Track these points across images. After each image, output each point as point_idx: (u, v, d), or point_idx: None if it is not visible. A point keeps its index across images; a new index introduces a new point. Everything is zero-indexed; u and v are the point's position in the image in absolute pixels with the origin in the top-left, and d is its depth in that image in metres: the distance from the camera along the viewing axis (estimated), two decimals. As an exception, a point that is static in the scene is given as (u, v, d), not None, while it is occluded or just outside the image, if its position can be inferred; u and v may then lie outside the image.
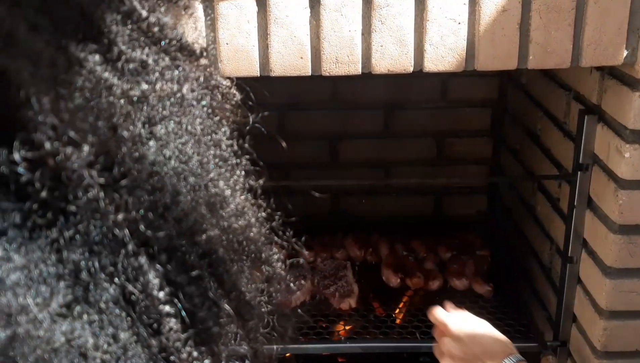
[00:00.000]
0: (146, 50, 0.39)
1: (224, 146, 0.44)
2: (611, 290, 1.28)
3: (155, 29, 0.40)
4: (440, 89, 1.96)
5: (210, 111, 0.44)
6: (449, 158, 2.03)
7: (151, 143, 0.37)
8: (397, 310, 1.64)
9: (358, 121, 1.97)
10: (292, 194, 2.00)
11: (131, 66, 0.37)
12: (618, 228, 1.26)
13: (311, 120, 1.97)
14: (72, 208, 0.34)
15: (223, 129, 0.46)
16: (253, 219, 0.46)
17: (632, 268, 1.27)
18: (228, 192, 0.44)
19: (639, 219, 1.24)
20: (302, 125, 1.97)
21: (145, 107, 0.37)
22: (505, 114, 1.93)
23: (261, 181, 0.50)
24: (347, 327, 1.60)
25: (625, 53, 1.15)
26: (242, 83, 0.53)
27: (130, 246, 0.35)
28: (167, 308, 0.36)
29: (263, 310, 0.47)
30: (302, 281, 1.66)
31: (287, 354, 1.58)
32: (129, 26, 0.38)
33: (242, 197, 0.46)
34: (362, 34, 1.15)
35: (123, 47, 0.37)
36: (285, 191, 1.96)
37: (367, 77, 1.90)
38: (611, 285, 1.28)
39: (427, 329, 1.53)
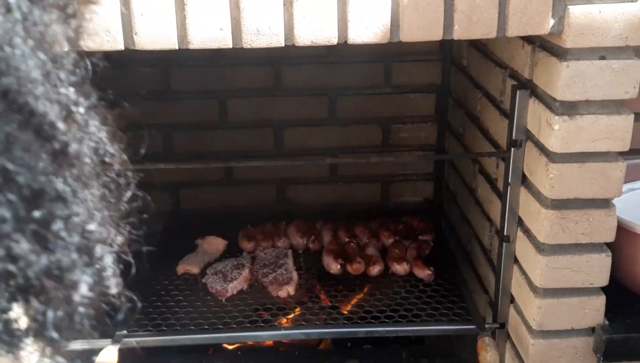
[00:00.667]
0: None
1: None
2: (545, 267, 1.26)
3: None
4: (384, 74, 1.93)
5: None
6: (395, 144, 2.00)
7: None
8: (341, 297, 1.60)
9: (302, 107, 1.93)
10: (237, 184, 1.97)
11: None
12: (550, 203, 1.23)
13: (252, 106, 1.92)
14: None
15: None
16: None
17: (566, 243, 1.25)
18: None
19: (570, 193, 1.22)
20: (243, 113, 1.93)
21: None
22: (450, 98, 1.91)
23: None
24: (289, 316, 1.56)
25: (551, 22, 1.13)
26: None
27: None
28: None
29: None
30: (239, 271, 1.62)
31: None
32: None
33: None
34: (284, 4, 1.11)
35: None
36: (230, 182, 1.92)
37: (308, 62, 1.90)
38: (545, 262, 1.26)
39: (365, 314, 1.50)
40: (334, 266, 1.64)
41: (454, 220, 1.88)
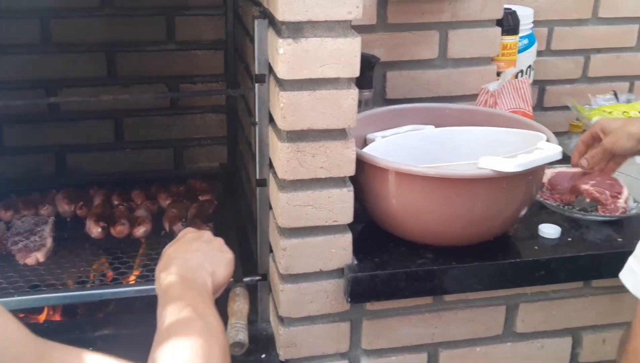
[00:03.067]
0: None
1: None
2: (286, 205, 1.19)
3: None
4: (167, 29, 1.82)
5: None
6: (185, 105, 1.89)
7: None
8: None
9: (76, 65, 1.78)
10: (7, 153, 1.77)
11: None
12: (286, 136, 1.16)
13: (20, 66, 1.75)
14: None
15: None
16: None
17: (305, 179, 1.18)
18: None
19: (303, 124, 1.15)
20: (10, 72, 1.75)
21: None
22: (236, 55, 1.82)
23: None
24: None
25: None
26: None
27: None
28: None
29: None
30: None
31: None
32: None
33: None
34: None
35: None
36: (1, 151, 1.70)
37: (80, 15, 1.75)
38: (285, 199, 1.19)
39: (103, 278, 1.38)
40: (95, 230, 1.51)
41: (243, 182, 1.79)
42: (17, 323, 0.66)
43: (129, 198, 1.68)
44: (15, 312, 1.36)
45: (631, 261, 0.85)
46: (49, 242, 1.46)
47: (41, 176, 1.84)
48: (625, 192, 1.38)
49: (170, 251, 1.02)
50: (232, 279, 1.31)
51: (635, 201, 1.41)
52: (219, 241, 1.07)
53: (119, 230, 1.51)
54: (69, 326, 1.41)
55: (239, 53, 1.79)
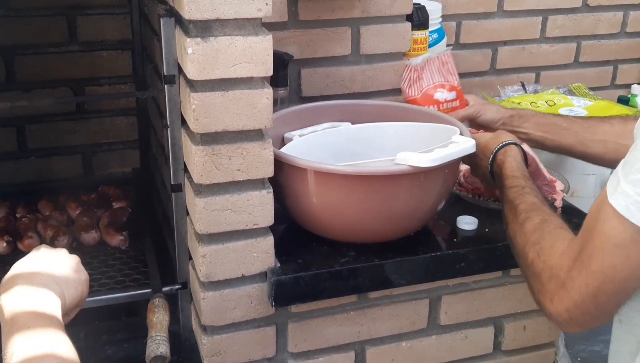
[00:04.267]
0: None
1: None
2: (203, 210, 1.15)
3: None
4: (69, 30, 1.72)
5: None
6: (93, 109, 1.81)
7: None
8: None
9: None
10: None
11: None
12: (200, 139, 1.12)
13: None
14: None
15: None
16: None
17: (222, 182, 1.15)
18: None
19: (217, 125, 1.11)
20: None
21: None
22: (144, 55, 1.76)
23: None
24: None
25: None
26: None
27: None
28: None
29: None
30: None
31: None
32: None
33: None
34: None
35: None
36: None
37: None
38: (202, 204, 1.15)
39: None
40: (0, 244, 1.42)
41: (158, 187, 1.73)
42: None
43: (35, 209, 1.58)
44: None
45: (624, 185, 0.86)
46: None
47: None
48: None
49: (16, 268, 0.92)
50: (149, 290, 1.28)
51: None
52: (74, 260, 0.98)
53: (27, 243, 1.42)
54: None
55: (147, 53, 1.72)
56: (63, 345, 0.79)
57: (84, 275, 0.97)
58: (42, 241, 1.45)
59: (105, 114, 1.82)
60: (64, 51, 1.74)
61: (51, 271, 0.92)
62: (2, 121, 1.73)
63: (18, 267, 0.93)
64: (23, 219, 1.51)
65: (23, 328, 0.79)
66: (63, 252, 0.98)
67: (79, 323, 1.34)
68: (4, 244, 1.42)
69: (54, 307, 0.85)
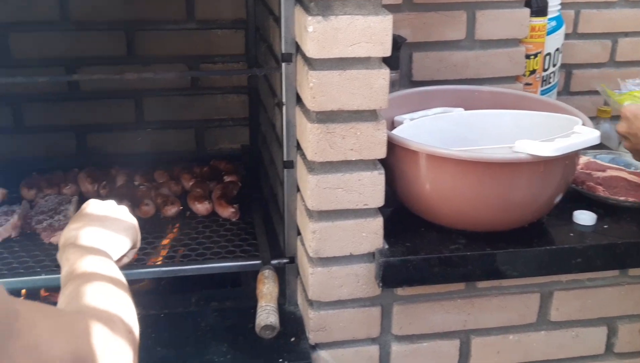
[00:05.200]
0: None
1: None
2: (315, 187, 1.16)
3: None
4: (187, 8, 1.78)
5: None
6: (206, 86, 1.86)
7: None
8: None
9: (96, 43, 1.75)
10: (28, 131, 1.75)
11: None
12: (315, 117, 1.13)
13: (40, 43, 1.73)
14: None
15: None
16: None
17: (335, 161, 1.15)
18: None
19: (333, 104, 1.12)
20: (29, 50, 1.73)
21: None
22: (257, 35, 1.79)
23: None
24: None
25: None
26: None
27: None
28: None
29: None
30: (7, 217, 1.43)
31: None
32: None
33: None
34: None
35: None
36: (20, 129, 1.70)
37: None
38: (315, 181, 1.16)
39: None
40: None
41: (266, 164, 1.77)
42: None
43: (151, 179, 1.66)
44: (39, 290, 1.37)
45: None
46: (71, 223, 1.44)
47: (61, 155, 1.82)
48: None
49: (77, 218, 1.00)
50: (258, 261, 1.31)
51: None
52: (124, 208, 1.06)
53: (145, 210, 1.50)
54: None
55: (261, 33, 1.75)
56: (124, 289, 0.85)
57: (134, 220, 1.05)
58: (157, 208, 1.52)
59: (218, 91, 1.87)
60: (181, 28, 1.80)
61: (109, 219, 1.00)
62: (122, 94, 1.81)
63: (79, 217, 1.00)
64: (141, 187, 1.58)
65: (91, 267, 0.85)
66: (113, 202, 1.06)
67: (190, 288, 1.41)
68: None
69: (114, 250, 0.95)
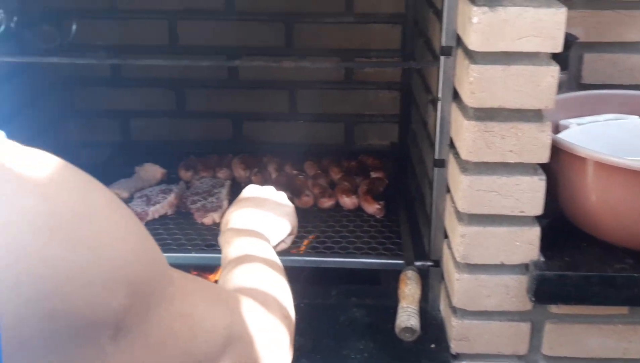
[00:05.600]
0: None
1: None
2: (467, 188, 1.10)
3: None
4: (345, 1, 1.77)
5: None
6: (359, 80, 1.85)
7: None
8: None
9: (257, 34, 1.79)
10: (189, 116, 1.85)
11: None
12: (473, 114, 1.07)
13: (204, 32, 1.80)
14: None
15: None
16: None
17: (491, 162, 1.08)
18: None
19: (494, 101, 1.05)
20: (194, 39, 1.81)
21: None
22: (415, 29, 1.74)
23: None
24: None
25: None
26: None
27: None
28: None
29: None
30: (165, 195, 1.50)
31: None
32: None
33: None
34: None
35: None
36: (182, 114, 1.80)
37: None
38: (467, 182, 1.10)
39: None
40: None
41: (415, 162, 1.72)
42: None
43: (301, 169, 1.67)
44: (189, 268, 1.42)
45: None
46: (225, 204, 1.49)
47: (218, 140, 1.89)
48: None
49: (238, 202, 1.02)
50: (401, 261, 1.27)
51: None
52: (282, 194, 1.07)
53: (305, 201, 1.52)
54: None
55: (419, 27, 1.71)
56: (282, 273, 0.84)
57: (291, 206, 1.06)
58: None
59: (371, 86, 1.85)
60: (339, 21, 1.79)
61: (268, 204, 1.02)
62: (278, 84, 1.84)
63: (249, 193, 1.03)
64: (299, 176, 1.60)
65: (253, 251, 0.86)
66: (272, 188, 1.07)
67: (331, 282, 1.40)
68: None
69: (272, 235, 0.97)
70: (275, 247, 0.95)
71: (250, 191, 1.05)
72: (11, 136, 0.45)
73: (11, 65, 1.55)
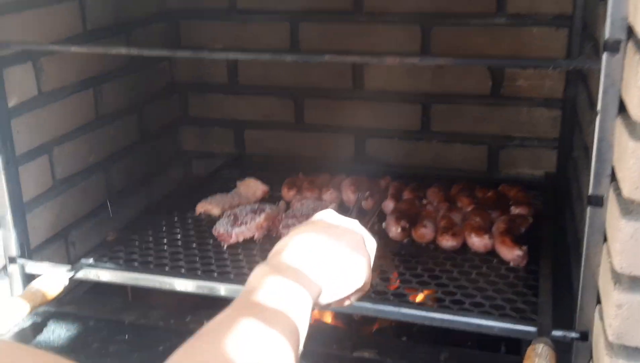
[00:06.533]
0: None
1: None
2: (629, 239, 0.76)
3: None
4: (497, 1, 1.47)
5: None
6: (508, 94, 1.52)
7: None
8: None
9: (390, 39, 1.55)
10: (308, 129, 1.64)
11: None
12: (644, 133, 0.74)
13: (326, 35, 1.59)
14: None
15: None
16: None
17: (668, 203, 0.74)
18: None
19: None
20: (314, 40, 1.60)
21: None
22: (584, 34, 1.39)
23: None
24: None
25: None
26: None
27: None
28: None
29: None
30: (254, 216, 1.30)
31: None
32: None
33: None
34: None
35: None
36: (301, 126, 1.59)
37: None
38: (630, 230, 0.76)
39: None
40: (394, 229, 1.26)
41: (573, 199, 1.36)
42: None
43: (422, 195, 1.39)
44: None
45: None
46: (321, 232, 1.26)
47: (339, 157, 1.67)
48: None
49: (309, 227, 0.76)
50: (533, 328, 0.95)
51: None
52: (359, 238, 0.77)
53: (421, 233, 1.25)
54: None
55: (588, 31, 1.36)
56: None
57: (364, 257, 0.76)
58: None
59: (524, 103, 1.53)
60: (488, 23, 1.49)
61: (331, 247, 0.73)
62: (408, 97, 1.59)
63: (299, 238, 0.73)
64: (427, 206, 1.34)
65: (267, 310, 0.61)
66: (356, 223, 0.79)
67: (441, 342, 1.10)
68: (399, 229, 1.26)
69: (312, 291, 0.67)
70: (329, 305, 0.70)
71: (327, 216, 0.80)
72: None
73: (125, 61, 1.47)
